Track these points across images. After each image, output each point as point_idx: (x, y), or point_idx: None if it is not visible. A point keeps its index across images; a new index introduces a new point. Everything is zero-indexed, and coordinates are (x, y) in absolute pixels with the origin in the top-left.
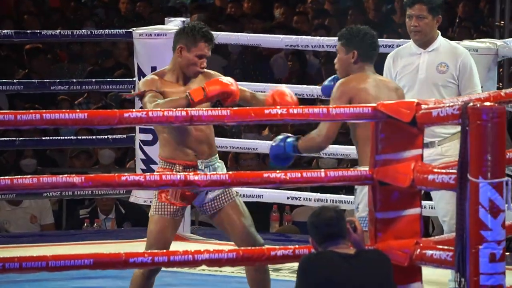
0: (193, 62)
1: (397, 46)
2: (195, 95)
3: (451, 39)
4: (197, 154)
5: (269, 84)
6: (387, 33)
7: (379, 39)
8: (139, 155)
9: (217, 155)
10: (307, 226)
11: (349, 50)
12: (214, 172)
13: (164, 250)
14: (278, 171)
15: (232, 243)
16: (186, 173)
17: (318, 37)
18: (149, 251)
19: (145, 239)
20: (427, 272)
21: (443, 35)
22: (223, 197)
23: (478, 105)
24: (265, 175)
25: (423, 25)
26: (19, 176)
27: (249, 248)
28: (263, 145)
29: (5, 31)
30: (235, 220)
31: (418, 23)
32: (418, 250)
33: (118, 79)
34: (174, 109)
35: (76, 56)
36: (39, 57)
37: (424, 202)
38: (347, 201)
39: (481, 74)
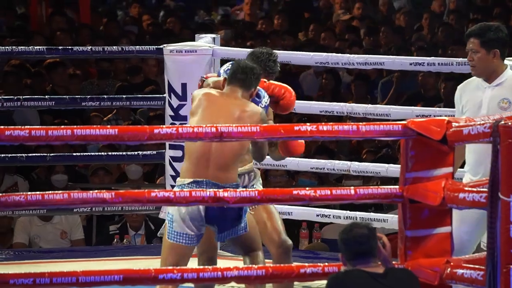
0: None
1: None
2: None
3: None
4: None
5: (298, 101)
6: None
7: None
8: (168, 171)
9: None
10: (338, 242)
11: None
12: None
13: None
14: (307, 188)
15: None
16: (216, 190)
17: (348, 55)
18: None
19: None
20: None
21: None
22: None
23: (510, 123)
24: (295, 192)
25: (477, 59)
26: (50, 192)
27: (278, 265)
28: (292, 162)
29: (37, 47)
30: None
31: (472, 58)
32: (449, 269)
33: (148, 95)
34: (204, 126)
35: (106, 72)
36: (58, 71)
37: None
38: (376, 219)
39: None
